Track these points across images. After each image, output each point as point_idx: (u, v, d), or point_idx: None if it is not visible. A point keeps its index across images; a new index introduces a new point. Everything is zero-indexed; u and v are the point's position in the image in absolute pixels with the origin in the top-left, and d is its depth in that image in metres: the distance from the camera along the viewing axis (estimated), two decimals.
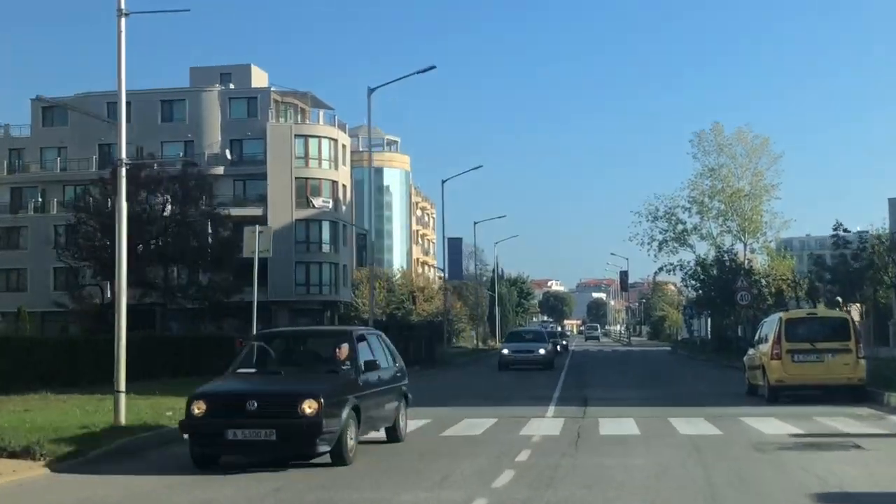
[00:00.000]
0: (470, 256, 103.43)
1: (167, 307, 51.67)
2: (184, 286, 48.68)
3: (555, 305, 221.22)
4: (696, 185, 57.19)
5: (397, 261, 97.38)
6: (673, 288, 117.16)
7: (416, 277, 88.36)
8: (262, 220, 67.35)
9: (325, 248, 69.92)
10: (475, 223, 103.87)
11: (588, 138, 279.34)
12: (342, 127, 73.30)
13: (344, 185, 72.57)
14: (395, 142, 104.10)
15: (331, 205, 69.81)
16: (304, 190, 68.73)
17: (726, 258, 50.57)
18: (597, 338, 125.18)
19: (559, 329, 74.15)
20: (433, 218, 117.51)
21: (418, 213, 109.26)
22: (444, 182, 62.38)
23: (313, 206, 68.80)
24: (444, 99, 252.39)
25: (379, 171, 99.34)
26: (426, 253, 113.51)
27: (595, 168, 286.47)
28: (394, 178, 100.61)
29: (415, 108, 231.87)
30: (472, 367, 45.95)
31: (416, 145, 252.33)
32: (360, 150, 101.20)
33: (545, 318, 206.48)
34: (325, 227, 69.82)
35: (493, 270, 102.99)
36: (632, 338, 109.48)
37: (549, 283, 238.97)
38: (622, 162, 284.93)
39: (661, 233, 57.45)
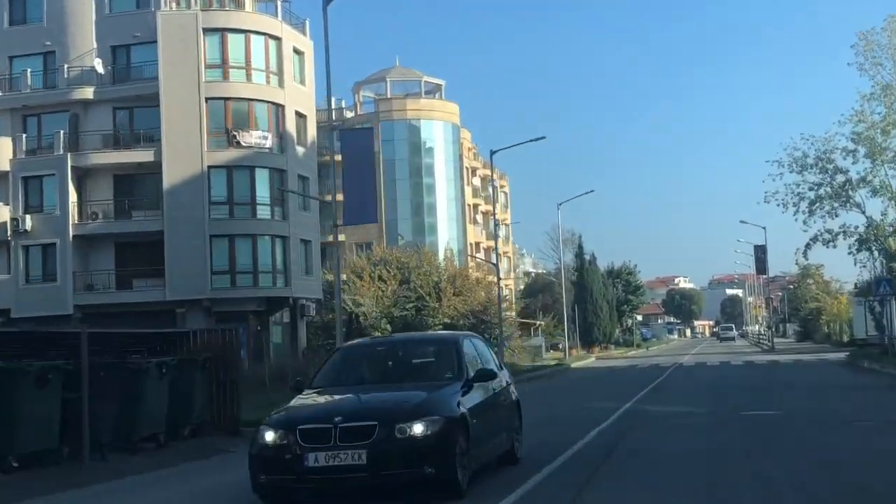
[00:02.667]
0: (566, 243, 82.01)
1: None
2: None
3: (681, 304, 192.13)
4: (862, 116, 42.90)
5: (443, 245, 70.91)
6: (821, 278, 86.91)
7: (450, 265, 60.97)
8: (154, 168, 41.99)
9: (263, 212, 43.34)
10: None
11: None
12: (298, 26, 46.69)
13: (300, 115, 45.85)
14: (439, 86, 77.31)
15: (269, 142, 43.31)
16: (224, 119, 42.57)
17: None
18: (732, 339, 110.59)
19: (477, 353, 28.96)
20: (504, 192, 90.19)
21: (475, 181, 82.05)
22: (492, 153, 49.53)
23: (239, 143, 42.49)
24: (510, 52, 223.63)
25: (415, 125, 73.08)
26: (491, 236, 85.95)
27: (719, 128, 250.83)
28: (437, 135, 73.85)
29: (465, 54, 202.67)
30: None
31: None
32: (389, 96, 75.56)
33: (671, 318, 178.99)
34: (262, 177, 43.16)
35: (577, 253, 74.95)
36: (775, 339, 78.68)
37: (676, 280, 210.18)
38: (755, 113, 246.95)
39: (811, 188, 44.35)
